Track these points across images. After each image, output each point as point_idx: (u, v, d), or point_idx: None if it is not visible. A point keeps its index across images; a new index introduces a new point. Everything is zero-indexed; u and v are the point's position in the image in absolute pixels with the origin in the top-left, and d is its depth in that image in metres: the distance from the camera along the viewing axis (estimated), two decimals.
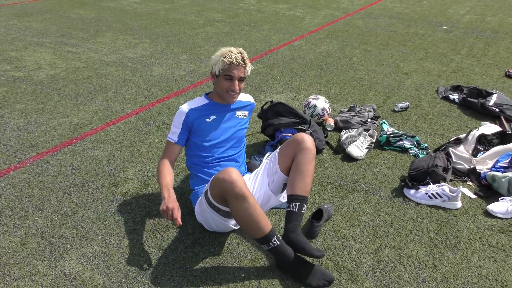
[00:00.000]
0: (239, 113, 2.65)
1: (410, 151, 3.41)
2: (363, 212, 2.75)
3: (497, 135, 3.37)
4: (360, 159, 3.31)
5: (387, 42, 6.34)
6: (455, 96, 4.39)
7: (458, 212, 2.76)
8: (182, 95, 4.36)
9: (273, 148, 3.33)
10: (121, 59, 5.30)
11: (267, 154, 3.19)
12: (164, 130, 3.65)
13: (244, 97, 2.73)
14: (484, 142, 3.30)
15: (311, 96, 3.83)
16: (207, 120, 2.52)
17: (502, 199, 2.81)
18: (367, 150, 3.37)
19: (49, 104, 4.05)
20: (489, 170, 3.05)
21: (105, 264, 2.29)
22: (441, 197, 2.78)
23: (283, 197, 2.52)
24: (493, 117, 3.96)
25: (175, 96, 4.32)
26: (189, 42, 6.06)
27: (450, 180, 3.06)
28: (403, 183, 2.96)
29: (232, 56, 2.39)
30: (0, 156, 3.21)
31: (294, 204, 2.28)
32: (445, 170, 2.95)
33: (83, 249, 2.38)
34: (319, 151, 3.37)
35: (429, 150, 3.42)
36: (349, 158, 3.31)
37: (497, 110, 3.93)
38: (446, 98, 4.44)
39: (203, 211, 2.38)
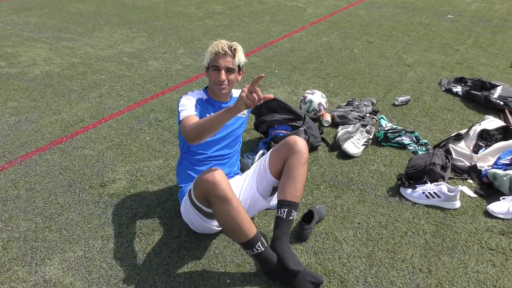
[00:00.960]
0: None
1: (409, 148, 3.29)
2: (357, 213, 2.64)
3: (500, 130, 3.24)
4: (357, 157, 3.20)
5: (391, 33, 6.17)
6: (458, 89, 4.24)
7: (457, 212, 2.65)
8: (176, 90, 4.27)
9: (267, 145, 3.23)
10: (117, 54, 5.21)
11: (260, 151, 3.11)
12: (156, 127, 3.57)
13: None
14: (486, 137, 3.17)
15: (307, 91, 3.72)
16: (207, 115, 2.42)
17: (503, 198, 2.69)
18: (364, 146, 3.26)
19: (41, 102, 3.99)
20: (490, 168, 2.92)
21: (86, 269, 2.22)
22: (439, 196, 2.67)
23: (273, 201, 2.42)
24: (497, 110, 3.82)
25: (169, 91, 4.23)
26: (187, 35, 5.96)
27: (450, 178, 2.94)
28: (399, 182, 2.85)
29: (219, 45, 2.30)
30: None
31: (282, 210, 2.19)
32: (444, 168, 2.83)
33: (65, 254, 2.31)
34: (314, 148, 3.27)
35: (429, 146, 3.29)
36: (345, 155, 3.20)
37: (501, 103, 3.79)
38: (449, 91, 4.29)
39: (187, 210, 2.30)
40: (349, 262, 2.27)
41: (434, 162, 2.79)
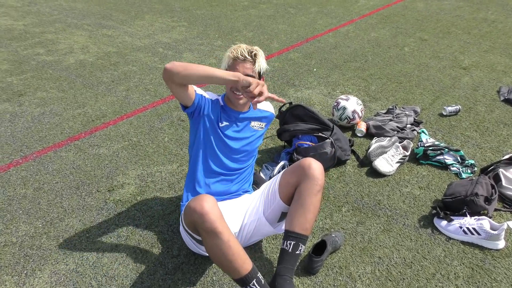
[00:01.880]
0: (254, 124, 2.30)
1: (452, 168, 2.89)
2: (379, 244, 2.33)
3: None
4: (389, 175, 2.85)
5: (449, 29, 5.60)
6: None
7: (499, 254, 2.26)
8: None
9: (289, 156, 2.96)
10: (154, 44, 5.08)
11: (281, 163, 2.85)
12: (177, 128, 3.39)
13: (264, 105, 2.38)
14: None
15: (342, 96, 3.38)
16: (220, 124, 2.20)
17: None
18: (398, 164, 2.90)
19: (69, 93, 3.93)
20: None
21: (74, 286, 2.08)
22: (478, 233, 2.29)
23: (281, 227, 2.15)
24: None
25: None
26: (228, 26, 5.72)
27: (495, 210, 2.53)
28: (434, 211, 2.48)
29: (238, 50, 2.08)
30: (6, 149, 3.11)
31: (289, 242, 1.93)
32: (488, 200, 2.43)
33: (57, 265, 2.19)
34: (342, 162, 2.95)
35: (475, 169, 2.87)
36: (375, 173, 2.87)
37: None
38: (508, 101, 3.78)
39: (182, 231, 2.11)
40: None
41: (476, 193, 2.39)
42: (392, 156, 2.89)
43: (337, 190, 2.73)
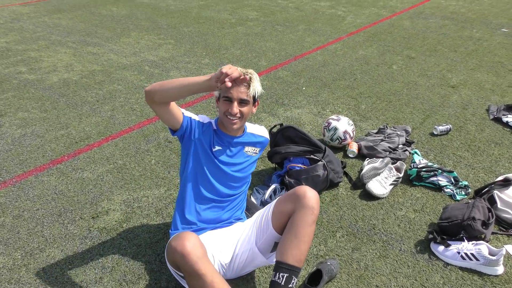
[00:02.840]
0: (248, 149, 2.22)
1: (446, 190, 2.84)
2: (376, 271, 2.24)
3: None
4: (382, 198, 2.79)
5: (435, 47, 5.64)
6: (509, 118, 3.71)
7: (499, 280, 2.20)
8: (193, 106, 3.98)
9: (280, 179, 2.88)
10: (140, 62, 5.00)
11: (272, 186, 2.77)
12: (164, 149, 3.29)
13: (258, 130, 2.31)
14: None
15: (333, 116, 3.32)
16: (213, 148, 2.11)
17: None
18: (391, 186, 2.84)
19: (52, 113, 3.80)
20: None
21: None
22: (477, 259, 2.22)
23: (274, 258, 2.05)
24: None
25: (185, 107, 3.95)
26: (215, 44, 5.67)
27: (493, 233, 2.48)
28: (431, 236, 2.42)
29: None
30: None
31: (281, 274, 1.83)
32: (485, 224, 2.37)
33: None
34: (334, 184, 2.88)
35: (469, 190, 2.83)
36: (369, 195, 2.80)
37: None
38: (498, 120, 3.77)
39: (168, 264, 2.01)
40: None
41: (474, 217, 2.34)
42: (386, 178, 2.83)
43: (331, 214, 2.65)
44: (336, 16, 7.15)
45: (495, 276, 2.22)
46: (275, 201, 2.05)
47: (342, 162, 3.00)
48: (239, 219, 2.26)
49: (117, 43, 5.65)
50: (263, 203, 2.66)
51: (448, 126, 3.54)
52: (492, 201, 2.64)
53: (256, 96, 2.10)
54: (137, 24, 6.53)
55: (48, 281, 2.16)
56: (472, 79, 4.65)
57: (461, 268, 2.26)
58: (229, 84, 1.77)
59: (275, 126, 3.02)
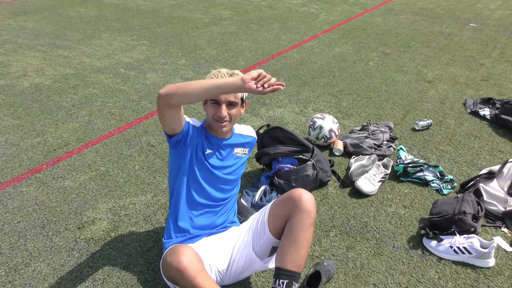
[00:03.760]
0: (237, 151, 2.17)
1: (432, 184, 2.88)
2: (372, 270, 2.25)
3: None
4: (372, 195, 2.80)
5: (409, 43, 5.73)
6: (486, 112, 3.81)
7: (491, 272, 2.24)
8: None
9: (269, 180, 2.85)
10: (114, 65, 4.86)
11: (262, 188, 2.74)
12: (147, 154, 3.20)
13: (245, 130, 2.26)
14: None
15: (317, 115, 3.32)
16: (205, 152, 2.05)
17: None
18: (380, 183, 2.85)
19: (26, 120, 3.64)
20: None
21: None
22: (469, 252, 2.26)
23: (272, 262, 2.02)
24: None
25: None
26: (190, 44, 5.59)
27: (482, 226, 2.52)
28: (423, 231, 2.44)
29: (218, 76, 1.93)
30: None
31: (281, 281, 1.80)
32: (475, 218, 2.42)
33: None
34: (323, 183, 2.87)
35: (455, 184, 2.88)
36: (358, 193, 2.81)
37: None
38: (475, 114, 3.86)
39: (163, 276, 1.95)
40: None
41: (464, 211, 2.38)
42: (374, 175, 2.84)
43: (322, 213, 2.64)
44: (309, 14, 7.17)
45: (487, 268, 2.26)
46: (270, 204, 2.02)
47: (330, 161, 3.00)
48: (232, 222, 2.22)
49: (88, 45, 5.48)
50: (254, 205, 2.63)
51: (429, 121, 3.60)
52: (478, 194, 2.69)
53: (244, 97, 2.06)
54: (108, 25, 6.35)
55: None
56: (446, 74, 4.75)
57: (454, 262, 2.30)
58: (281, 88, 1.71)
59: (261, 127, 2.99)
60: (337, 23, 6.64)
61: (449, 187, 2.85)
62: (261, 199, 2.66)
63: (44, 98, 4.05)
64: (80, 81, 4.43)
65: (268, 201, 2.62)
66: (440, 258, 2.32)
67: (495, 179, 2.74)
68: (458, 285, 2.16)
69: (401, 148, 3.17)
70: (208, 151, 2.07)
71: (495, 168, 2.80)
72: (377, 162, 2.93)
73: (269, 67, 4.87)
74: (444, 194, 2.81)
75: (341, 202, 2.75)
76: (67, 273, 2.20)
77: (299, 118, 3.77)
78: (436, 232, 2.40)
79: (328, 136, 3.22)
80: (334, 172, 2.99)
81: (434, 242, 2.36)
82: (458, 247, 2.28)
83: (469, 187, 2.76)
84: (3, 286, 2.12)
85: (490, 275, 2.22)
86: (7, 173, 2.97)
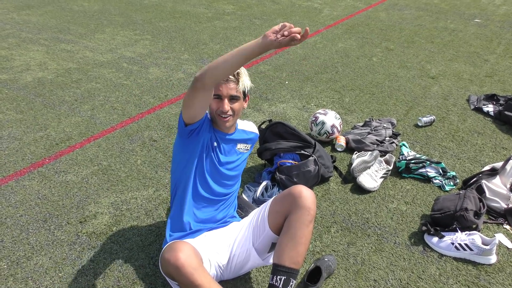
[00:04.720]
0: (240, 146, 2.17)
1: (434, 181, 2.87)
2: (373, 266, 2.25)
3: None
4: (373, 191, 2.79)
5: (413, 39, 5.70)
6: (489, 108, 3.79)
7: (492, 269, 2.23)
8: (176, 103, 3.90)
9: (271, 175, 2.85)
10: (117, 59, 4.86)
11: (263, 183, 2.74)
12: (149, 148, 3.21)
13: (248, 126, 2.26)
14: None
15: (320, 111, 3.31)
16: (214, 145, 2.05)
17: None
18: (382, 179, 2.85)
19: (28, 114, 3.65)
20: None
21: None
22: (471, 249, 2.26)
23: (271, 258, 2.02)
24: None
25: (168, 104, 3.87)
26: (193, 39, 5.57)
27: (484, 222, 2.52)
28: (424, 228, 2.44)
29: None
30: None
31: (278, 277, 1.80)
32: (477, 215, 2.41)
33: None
34: (325, 179, 2.87)
35: (457, 181, 2.87)
36: (360, 188, 2.80)
37: None
38: (478, 110, 3.84)
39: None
40: None
41: (466, 207, 2.37)
42: (376, 171, 2.84)
43: (323, 209, 2.64)
44: (312, 9, 7.14)
45: (489, 265, 2.26)
46: (270, 200, 2.02)
47: (331, 156, 3.00)
48: (233, 217, 2.22)
49: (91, 40, 5.48)
50: (255, 201, 2.63)
51: (432, 117, 3.59)
52: (480, 190, 2.68)
53: (246, 91, 2.05)
54: (111, 19, 6.34)
55: None
56: (450, 70, 4.72)
57: (456, 259, 2.29)
58: (298, 36, 1.55)
59: (263, 122, 2.98)
60: (341, 18, 6.60)
61: (452, 183, 2.84)
62: (262, 194, 2.66)
63: (47, 92, 4.05)
64: (83, 75, 4.44)
65: (270, 197, 2.62)
66: (441, 255, 2.32)
67: (497, 176, 2.72)
68: (459, 281, 2.16)
69: (404, 144, 3.16)
70: (215, 144, 2.06)
71: (498, 164, 2.79)
72: (379, 158, 2.92)
73: (272, 63, 4.85)
74: (446, 191, 2.80)
75: (343, 198, 2.75)
76: (69, 266, 2.21)
77: (302, 113, 3.76)
78: (438, 228, 2.40)
79: (330, 131, 3.22)
80: (336, 168, 2.98)
81: (435, 239, 2.36)
82: (460, 244, 2.28)
83: (472, 183, 2.75)
84: (6, 279, 2.13)
85: (492, 272, 2.22)
86: (10, 167, 2.98)
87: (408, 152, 3.04)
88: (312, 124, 3.26)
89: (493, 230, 2.50)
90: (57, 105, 3.81)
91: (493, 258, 2.26)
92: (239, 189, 2.75)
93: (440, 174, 2.89)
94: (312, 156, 2.77)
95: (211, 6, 7.20)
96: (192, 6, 7.14)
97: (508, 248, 2.36)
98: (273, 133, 2.89)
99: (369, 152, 3.00)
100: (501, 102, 3.84)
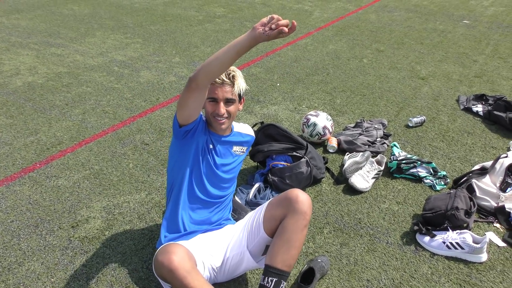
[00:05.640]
0: (236, 149, 2.17)
1: (425, 181, 2.89)
2: (365, 266, 2.26)
3: None
4: (365, 191, 2.81)
5: (402, 40, 5.75)
6: (478, 108, 3.83)
7: (483, 267, 2.26)
8: (167, 106, 3.89)
9: (263, 177, 2.85)
10: (108, 63, 4.84)
11: (256, 185, 2.74)
12: (141, 152, 3.20)
13: (244, 129, 2.27)
14: None
15: (311, 112, 3.33)
16: (210, 147, 2.05)
17: None
18: (373, 180, 2.87)
19: (19, 119, 3.63)
20: None
21: None
22: (462, 248, 2.28)
23: (264, 261, 2.03)
24: None
25: (160, 108, 3.86)
26: (184, 42, 5.57)
27: (474, 221, 2.54)
28: (416, 227, 2.45)
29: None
30: None
31: (269, 279, 1.80)
32: (468, 214, 2.44)
33: None
34: (317, 180, 2.88)
35: (448, 180, 2.89)
36: (352, 189, 2.82)
37: None
38: (468, 110, 3.88)
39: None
40: None
41: (457, 207, 2.39)
42: (368, 172, 2.86)
43: (316, 210, 2.65)
44: (303, 11, 7.17)
45: (480, 263, 2.28)
46: (266, 203, 2.02)
47: (323, 158, 3.01)
48: (228, 219, 2.23)
49: (82, 44, 5.45)
50: (248, 203, 2.64)
51: (422, 118, 3.62)
52: (471, 190, 2.71)
53: (242, 93, 2.06)
54: (102, 23, 6.32)
55: None
56: (440, 71, 4.77)
57: (447, 257, 2.31)
58: (285, 29, 1.53)
59: (255, 124, 2.99)
60: (331, 20, 6.64)
61: (442, 183, 2.87)
62: (255, 196, 2.67)
63: (37, 96, 4.03)
64: (74, 79, 4.42)
65: (262, 199, 2.63)
66: (433, 254, 2.34)
67: (487, 175, 2.75)
68: (450, 280, 2.18)
69: (395, 145, 3.18)
70: (210, 146, 2.07)
71: (488, 164, 2.82)
72: (370, 159, 2.94)
73: (263, 65, 4.87)
74: (437, 190, 2.82)
75: (335, 199, 2.76)
76: (61, 272, 2.20)
77: (293, 115, 3.77)
78: (429, 228, 2.42)
79: (322, 133, 3.23)
80: (328, 169, 2.99)
81: (427, 238, 2.38)
82: (451, 243, 2.30)
83: (462, 183, 2.78)
84: None
85: (483, 270, 2.24)
86: (0, 173, 2.96)
87: (399, 153, 3.07)
88: (304, 126, 3.27)
89: (483, 228, 2.53)
90: (47, 110, 3.79)
91: (484, 256, 2.28)
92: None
93: (431, 174, 2.91)
94: (304, 158, 2.78)
95: (202, 9, 7.21)
96: (183, 9, 7.14)
97: (498, 246, 2.39)
98: (265, 135, 2.90)
99: (361, 153, 3.02)
100: (490, 102, 3.89)
